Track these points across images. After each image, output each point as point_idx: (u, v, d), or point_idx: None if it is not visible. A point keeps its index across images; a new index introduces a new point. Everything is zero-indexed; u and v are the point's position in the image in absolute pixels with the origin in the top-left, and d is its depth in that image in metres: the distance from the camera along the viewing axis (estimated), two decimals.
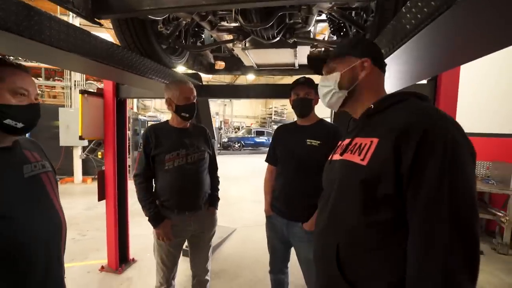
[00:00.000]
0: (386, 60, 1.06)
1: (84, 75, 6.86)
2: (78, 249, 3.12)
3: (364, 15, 1.67)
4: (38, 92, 0.92)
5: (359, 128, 0.79)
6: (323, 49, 2.55)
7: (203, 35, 2.26)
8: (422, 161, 0.57)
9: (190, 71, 2.61)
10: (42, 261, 0.85)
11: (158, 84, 1.83)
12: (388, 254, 0.63)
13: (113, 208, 2.59)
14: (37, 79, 7.77)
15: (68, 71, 6.84)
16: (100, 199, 2.58)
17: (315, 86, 1.52)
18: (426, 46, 0.90)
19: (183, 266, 1.87)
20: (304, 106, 1.53)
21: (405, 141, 0.59)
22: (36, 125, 0.89)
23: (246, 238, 3.55)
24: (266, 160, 1.77)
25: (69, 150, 6.59)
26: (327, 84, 0.84)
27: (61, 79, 7.82)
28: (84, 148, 6.35)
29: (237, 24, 1.77)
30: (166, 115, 13.91)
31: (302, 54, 2.21)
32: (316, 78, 1.57)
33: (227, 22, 1.83)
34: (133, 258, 2.86)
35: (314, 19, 1.68)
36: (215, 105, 20.83)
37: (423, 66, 1.19)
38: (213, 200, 1.75)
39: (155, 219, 1.53)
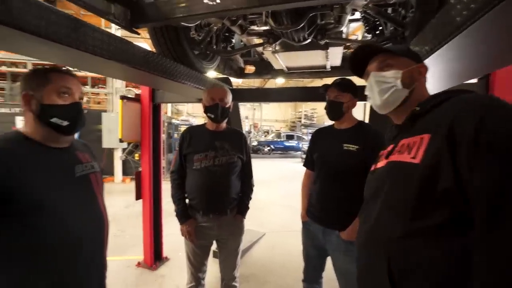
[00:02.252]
0: (429, 58, 0.98)
1: (124, 82, 7.37)
2: (118, 244, 3.31)
3: (403, 11, 1.57)
4: (86, 99, 0.99)
5: (404, 131, 0.75)
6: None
7: (233, 40, 2.29)
8: (482, 150, 0.51)
9: (220, 76, 2.66)
10: (87, 253, 0.92)
11: (190, 89, 1.89)
12: (449, 263, 0.56)
13: (148, 208, 2.72)
14: (84, 86, 8.53)
15: (111, 79, 7.41)
16: (137, 198, 2.72)
17: (350, 89, 1.45)
18: (478, 41, 0.81)
19: (214, 267, 1.89)
20: (332, 109, 1.46)
21: (460, 131, 0.54)
22: (83, 124, 0.96)
23: (275, 243, 3.51)
24: (304, 165, 1.73)
25: (110, 151, 7.11)
26: (385, 80, 0.78)
27: (104, 86, 8.49)
28: (124, 150, 6.82)
29: (267, 27, 1.77)
30: (197, 119, 14.43)
31: (334, 55, 2.14)
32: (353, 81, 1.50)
33: (257, 26, 1.83)
34: (166, 256, 2.96)
35: (348, 18, 1.62)
36: (245, 109, 21.10)
37: (474, 63, 1.07)
38: (242, 207, 1.71)
39: (181, 216, 1.61)
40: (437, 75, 1.28)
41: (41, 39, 0.84)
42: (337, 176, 1.43)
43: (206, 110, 1.59)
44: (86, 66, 1.41)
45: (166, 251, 2.98)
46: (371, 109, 2.11)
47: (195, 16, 1.22)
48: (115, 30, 5.91)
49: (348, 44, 2.09)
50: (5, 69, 8.57)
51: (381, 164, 0.78)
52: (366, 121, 1.83)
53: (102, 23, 6.47)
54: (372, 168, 0.85)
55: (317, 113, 20.99)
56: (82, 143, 1.10)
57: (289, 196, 5.87)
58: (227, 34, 2.21)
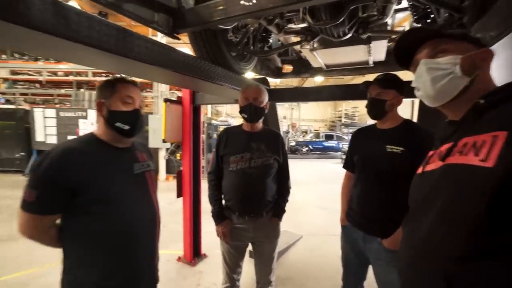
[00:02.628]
0: (495, 45, 0.85)
1: (168, 85, 7.85)
2: (161, 238, 3.52)
3: None
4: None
5: (465, 127, 0.63)
6: None
7: (270, 40, 2.28)
8: None
9: (258, 76, 2.67)
10: (141, 243, 1.02)
11: (228, 90, 1.92)
12: None
13: (188, 205, 2.85)
14: None
15: (156, 83, 7.95)
16: (178, 196, 2.87)
17: (395, 85, 1.33)
18: None
19: (251, 267, 1.90)
20: (374, 108, 1.36)
21: None
22: (141, 128, 1.06)
23: (312, 246, 3.42)
24: (344, 166, 1.64)
25: (155, 151, 7.63)
26: (440, 67, 0.66)
27: (151, 90, 9.15)
28: (167, 150, 7.28)
29: (304, 25, 1.72)
30: (236, 120, 14.76)
31: (377, 50, 2.00)
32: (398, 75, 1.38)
33: (295, 24, 1.79)
34: (204, 253, 3.07)
35: (393, 8, 1.49)
36: (283, 109, 20.97)
37: None
38: (278, 210, 1.68)
39: (217, 216, 1.63)
40: (503, 66, 1.11)
41: (94, 49, 0.93)
42: (380, 179, 1.32)
43: (241, 110, 1.59)
44: (133, 72, 1.53)
45: (204, 248, 3.09)
46: (420, 106, 1.92)
47: (232, 18, 1.24)
48: (161, 37, 6.34)
49: (393, 36, 1.94)
50: (72, 78, 9.80)
51: (432, 166, 0.67)
52: (415, 120, 1.67)
53: (149, 32, 6.98)
54: (420, 170, 0.74)
55: (359, 111, 19.95)
56: (141, 143, 1.22)
57: (328, 198, 5.67)
58: (264, 34, 2.20)
